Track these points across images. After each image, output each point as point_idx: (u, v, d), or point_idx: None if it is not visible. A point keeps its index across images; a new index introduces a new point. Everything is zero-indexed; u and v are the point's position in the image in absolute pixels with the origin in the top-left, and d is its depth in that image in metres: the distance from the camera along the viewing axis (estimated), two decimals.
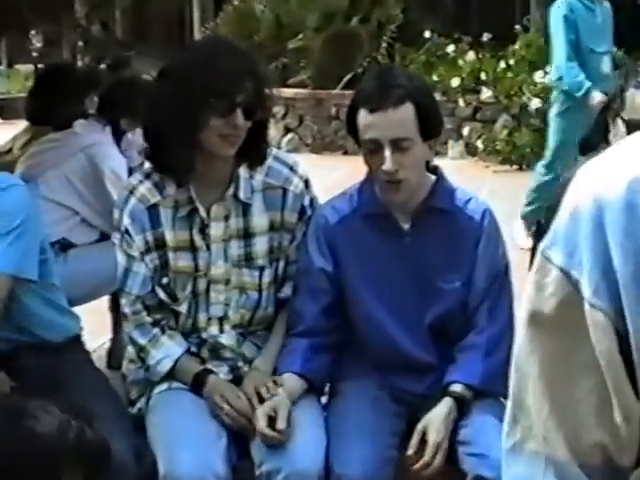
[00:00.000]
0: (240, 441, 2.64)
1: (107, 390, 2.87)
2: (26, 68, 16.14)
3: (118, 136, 4.06)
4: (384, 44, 11.57)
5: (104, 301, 4.27)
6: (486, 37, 11.38)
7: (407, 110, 2.60)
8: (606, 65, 6.50)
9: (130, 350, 2.86)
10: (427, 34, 11.61)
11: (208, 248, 2.73)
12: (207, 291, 2.76)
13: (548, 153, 6.63)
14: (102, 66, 8.46)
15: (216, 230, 2.73)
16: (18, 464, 1.57)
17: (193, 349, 2.78)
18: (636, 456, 1.06)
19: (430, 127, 2.66)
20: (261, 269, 2.78)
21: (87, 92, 4.44)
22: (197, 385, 2.71)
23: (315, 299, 2.75)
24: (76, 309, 3.25)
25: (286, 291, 2.83)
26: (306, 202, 2.80)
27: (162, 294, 2.75)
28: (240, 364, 2.79)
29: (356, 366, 2.78)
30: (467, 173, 8.59)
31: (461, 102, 10.89)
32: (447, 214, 2.74)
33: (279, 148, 7.83)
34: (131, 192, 2.74)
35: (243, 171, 2.74)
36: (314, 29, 11.93)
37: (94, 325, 3.91)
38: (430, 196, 2.73)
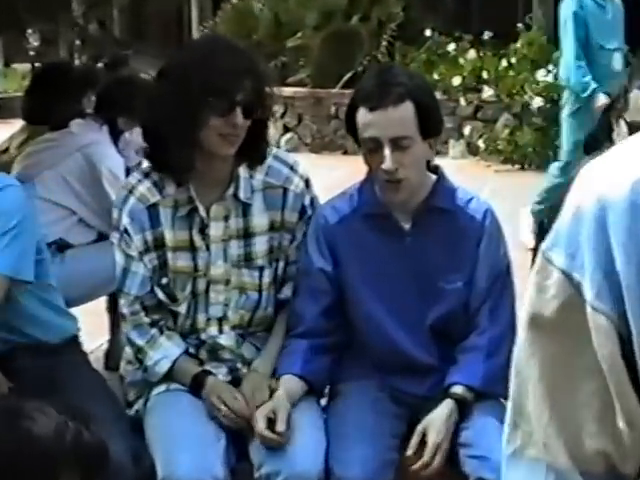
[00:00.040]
0: (239, 443, 2.63)
1: (105, 391, 2.86)
2: (23, 67, 16.12)
3: (115, 135, 4.04)
4: (384, 42, 11.55)
5: (101, 302, 4.26)
6: (487, 35, 11.35)
7: (407, 108, 2.59)
8: (617, 62, 6.39)
9: (128, 351, 2.85)
10: (428, 32, 11.57)
11: (208, 248, 2.72)
12: (206, 291, 2.75)
13: (563, 155, 6.52)
14: (99, 65, 8.44)
15: (216, 230, 2.71)
16: (15, 466, 1.56)
17: (192, 350, 2.77)
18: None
19: (430, 126, 2.65)
20: (261, 269, 2.77)
21: (84, 91, 4.44)
22: (196, 386, 2.69)
23: (315, 300, 2.74)
24: (73, 310, 3.25)
25: (286, 292, 2.82)
26: (307, 202, 2.78)
27: (161, 294, 2.73)
28: (239, 365, 2.78)
29: (356, 367, 2.76)
30: (468, 172, 8.58)
31: (462, 101, 10.87)
32: (448, 214, 2.72)
33: (278, 147, 7.82)
34: (130, 191, 2.72)
35: (243, 171, 2.72)
36: (313, 27, 11.92)
37: (91, 326, 3.90)
38: (431, 196, 2.72)
